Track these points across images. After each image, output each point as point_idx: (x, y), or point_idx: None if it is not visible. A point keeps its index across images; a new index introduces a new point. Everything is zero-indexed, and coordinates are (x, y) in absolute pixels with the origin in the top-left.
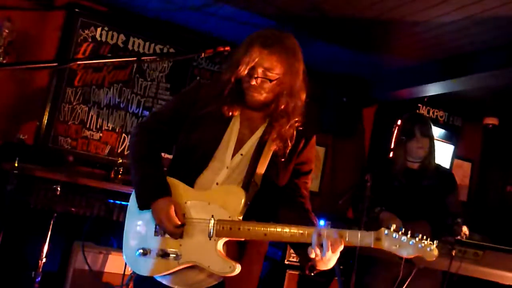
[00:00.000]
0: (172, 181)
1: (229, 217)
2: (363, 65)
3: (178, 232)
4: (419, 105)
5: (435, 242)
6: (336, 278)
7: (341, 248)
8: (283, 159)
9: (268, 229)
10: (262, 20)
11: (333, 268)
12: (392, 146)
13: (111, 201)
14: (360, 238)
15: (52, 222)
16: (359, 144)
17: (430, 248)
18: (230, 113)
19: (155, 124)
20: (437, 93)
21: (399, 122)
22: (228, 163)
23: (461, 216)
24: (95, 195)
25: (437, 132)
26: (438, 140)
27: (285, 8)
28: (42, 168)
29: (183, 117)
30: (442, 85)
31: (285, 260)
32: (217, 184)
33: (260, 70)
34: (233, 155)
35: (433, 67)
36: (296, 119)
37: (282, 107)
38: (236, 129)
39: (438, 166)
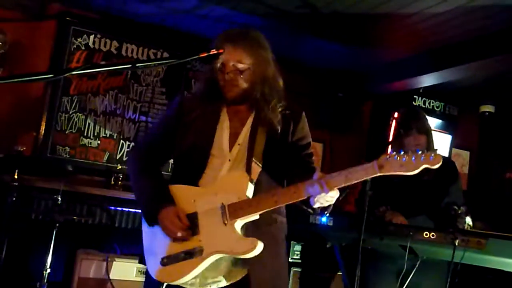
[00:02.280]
0: (176, 187)
1: (238, 198)
2: (357, 59)
3: (185, 234)
4: (415, 96)
5: (436, 149)
6: (340, 273)
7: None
8: (277, 137)
9: (277, 194)
10: (253, 20)
11: (337, 262)
12: (390, 139)
13: (112, 207)
14: (365, 171)
15: (54, 232)
16: (357, 139)
17: (432, 156)
18: (217, 110)
19: (147, 142)
20: (432, 83)
21: (395, 114)
22: (228, 156)
23: (464, 206)
24: (96, 202)
25: (433, 122)
26: (435, 130)
27: (276, 6)
28: (42, 179)
29: (173, 128)
30: (436, 75)
31: (289, 258)
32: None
33: (230, 65)
34: (231, 147)
35: (426, 58)
36: (277, 102)
37: (259, 94)
38: (227, 125)
39: None
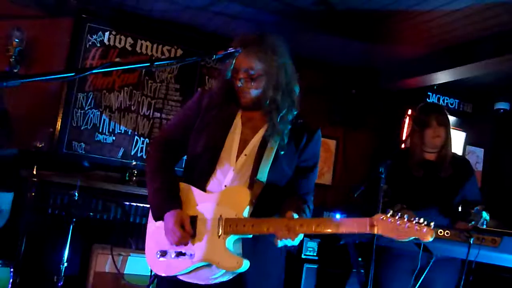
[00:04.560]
0: (185, 187)
1: (236, 215)
2: (371, 56)
3: (181, 243)
4: (429, 93)
5: (431, 223)
6: (355, 271)
7: (294, 235)
8: (283, 152)
9: (269, 223)
10: (268, 16)
11: (352, 260)
12: (405, 137)
13: (127, 203)
14: (357, 226)
15: (71, 227)
16: (370, 136)
17: (425, 230)
18: (232, 113)
19: (164, 139)
20: (446, 80)
21: (410, 111)
22: (233, 164)
23: (481, 204)
24: (111, 198)
25: None
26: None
27: (291, 2)
28: (59, 174)
29: (190, 126)
30: (451, 72)
31: (302, 254)
32: (225, 186)
33: (241, 71)
34: (238, 156)
35: (441, 55)
36: (289, 111)
37: (269, 101)
38: (239, 130)
39: (454, 155)
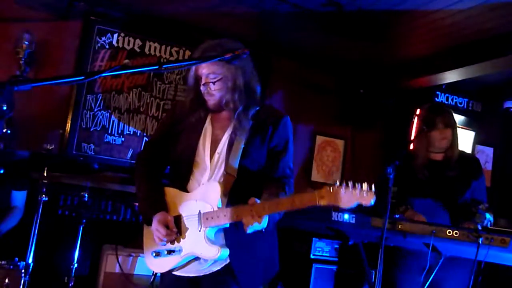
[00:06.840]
0: (169, 191)
1: (211, 208)
2: (379, 56)
3: (167, 240)
4: (437, 92)
5: (373, 186)
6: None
7: (259, 219)
8: (245, 145)
9: (238, 211)
10: (277, 18)
11: (363, 260)
12: (413, 137)
13: (137, 203)
14: (308, 200)
15: (81, 228)
16: (379, 135)
17: (367, 194)
18: (203, 118)
19: (147, 151)
20: (455, 80)
21: (418, 111)
22: (208, 164)
23: (486, 203)
24: (120, 199)
25: (457, 118)
26: (459, 127)
27: (299, 4)
28: (69, 176)
29: (168, 136)
30: (459, 72)
31: (311, 254)
32: (202, 184)
33: (203, 78)
34: (212, 155)
35: (450, 54)
36: (247, 108)
37: (228, 100)
38: (209, 132)
39: (462, 152)
